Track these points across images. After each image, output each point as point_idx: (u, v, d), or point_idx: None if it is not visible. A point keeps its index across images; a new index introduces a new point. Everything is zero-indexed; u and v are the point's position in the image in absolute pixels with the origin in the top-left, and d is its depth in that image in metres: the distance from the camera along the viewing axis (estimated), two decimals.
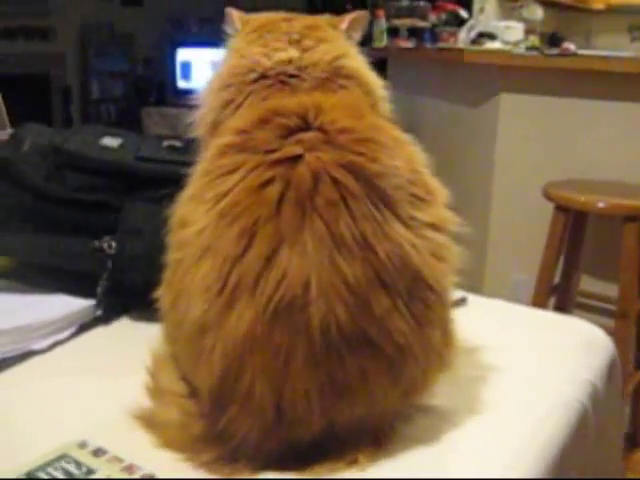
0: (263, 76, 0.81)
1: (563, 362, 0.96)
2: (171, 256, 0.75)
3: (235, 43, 0.88)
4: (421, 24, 3.14)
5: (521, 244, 2.52)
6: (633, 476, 2.01)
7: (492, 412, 0.82)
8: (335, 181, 0.67)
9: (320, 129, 0.71)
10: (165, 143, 1.17)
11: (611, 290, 2.17)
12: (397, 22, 3.18)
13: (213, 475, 0.69)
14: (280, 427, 0.68)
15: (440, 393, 0.79)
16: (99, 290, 1.03)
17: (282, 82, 0.80)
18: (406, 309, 0.68)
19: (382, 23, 3.15)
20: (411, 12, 3.17)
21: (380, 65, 1.47)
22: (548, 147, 2.47)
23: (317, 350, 0.65)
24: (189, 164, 0.78)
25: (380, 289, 0.67)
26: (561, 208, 2.12)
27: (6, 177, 1.08)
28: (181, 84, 5.98)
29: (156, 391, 0.82)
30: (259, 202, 0.67)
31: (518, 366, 0.93)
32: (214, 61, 0.89)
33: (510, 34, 2.63)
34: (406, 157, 0.74)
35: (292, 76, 0.81)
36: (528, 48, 2.59)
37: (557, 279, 2.28)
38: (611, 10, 3.18)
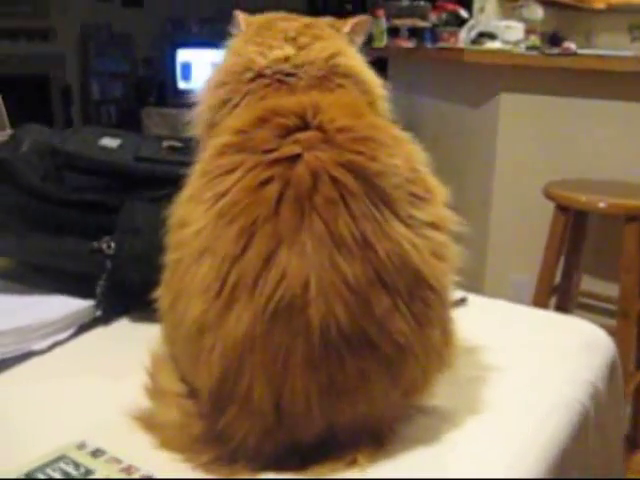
0: (260, 75, 0.81)
1: (564, 362, 0.96)
2: (170, 256, 0.75)
3: (234, 42, 0.88)
4: (421, 24, 3.14)
5: (521, 244, 2.52)
6: (634, 477, 2.01)
7: (492, 412, 0.82)
8: (334, 180, 0.67)
9: (319, 128, 0.71)
10: (165, 143, 1.17)
11: (612, 290, 2.17)
12: (397, 22, 3.18)
13: (212, 476, 0.69)
14: (280, 428, 0.68)
15: (440, 393, 0.78)
16: (98, 290, 1.02)
17: (279, 81, 0.80)
18: (406, 309, 0.68)
19: (382, 23, 3.15)
20: (411, 12, 3.17)
21: (381, 65, 1.47)
22: (548, 147, 2.47)
23: (317, 350, 0.65)
24: (188, 164, 0.78)
25: (380, 289, 0.66)
26: (562, 208, 2.12)
27: (5, 178, 1.08)
28: (181, 85, 5.99)
29: (155, 392, 0.81)
30: (258, 202, 0.67)
31: (519, 366, 0.93)
32: (214, 62, 0.89)
33: (510, 34, 2.63)
34: (405, 155, 0.74)
35: (289, 75, 0.80)
36: (528, 48, 2.59)
37: (558, 279, 2.28)
38: (611, 9, 3.18)
